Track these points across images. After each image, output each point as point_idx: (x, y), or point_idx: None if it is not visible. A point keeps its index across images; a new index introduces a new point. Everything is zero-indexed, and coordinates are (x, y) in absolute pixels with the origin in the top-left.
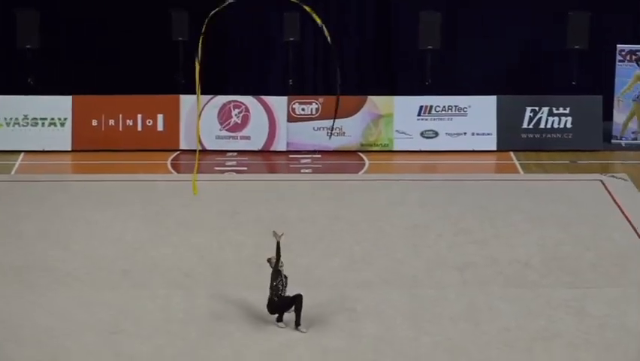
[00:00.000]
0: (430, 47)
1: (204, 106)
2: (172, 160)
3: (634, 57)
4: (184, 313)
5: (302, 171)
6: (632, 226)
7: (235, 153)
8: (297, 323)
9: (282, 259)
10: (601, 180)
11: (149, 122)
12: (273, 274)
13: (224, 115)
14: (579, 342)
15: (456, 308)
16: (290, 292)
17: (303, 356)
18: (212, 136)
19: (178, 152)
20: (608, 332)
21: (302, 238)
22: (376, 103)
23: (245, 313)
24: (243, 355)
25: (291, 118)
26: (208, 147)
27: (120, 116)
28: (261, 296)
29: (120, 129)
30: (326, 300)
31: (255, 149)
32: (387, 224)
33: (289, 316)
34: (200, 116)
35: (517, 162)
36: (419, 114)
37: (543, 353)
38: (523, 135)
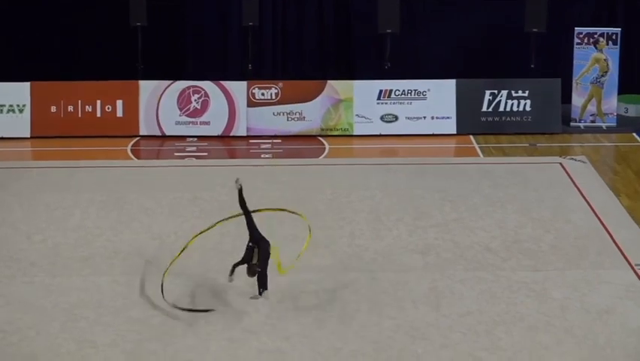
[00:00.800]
0: (389, 30)
1: (163, 91)
2: (132, 146)
3: (592, 40)
4: (146, 300)
5: (262, 156)
6: (591, 208)
7: (195, 139)
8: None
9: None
10: (560, 163)
11: (109, 108)
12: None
13: (183, 100)
14: (540, 325)
15: (417, 292)
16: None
17: (266, 342)
18: (172, 122)
19: (138, 138)
20: (569, 314)
21: (263, 223)
22: (336, 87)
23: (209, 299)
24: (207, 342)
25: (251, 103)
26: (168, 133)
27: (79, 102)
28: (225, 282)
29: (79, 115)
30: (287, 285)
31: (215, 134)
32: (348, 208)
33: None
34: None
35: (476, 146)
36: (379, 98)
37: (505, 336)
38: (483, 119)
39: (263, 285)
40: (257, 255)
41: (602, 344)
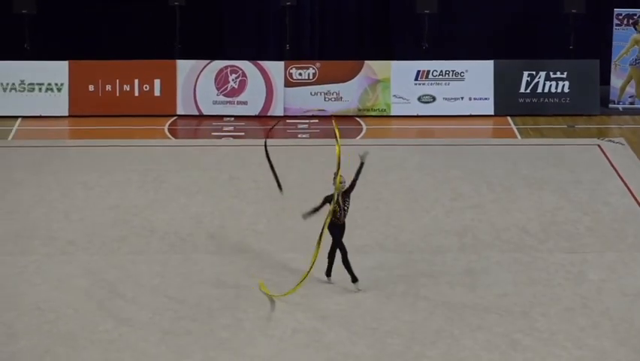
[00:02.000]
0: (427, 11)
1: (201, 71)
2: (169, 125)
3: (631, 21)
4: (182, 279)
5: (299, 136)
6: (630, 190)
7: (232, 118)
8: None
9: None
10: (598, 145)
11: (146, 87)
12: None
13: (221, 80)
14: (577, 307)
15: (453, 273)
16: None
17: (301, 320)
18: (210, 101)
19: (175, 117)
20: (605, 296)
21: (299, 204)
22: (373, 68)
23: (243, 279)
24: (243, 321)
25: (288, 83)
26: (205, 112)
27: (117, 81)
28: (259, 262)
29: (117, 94)
30: (325, 266)
31: (253, 114)
32: (385, 189)
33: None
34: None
35: (514, 127)
36: (416, 79)
37: (541, 318)
38: (521, 100)
39: (352, 276)
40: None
41: (639, 326)
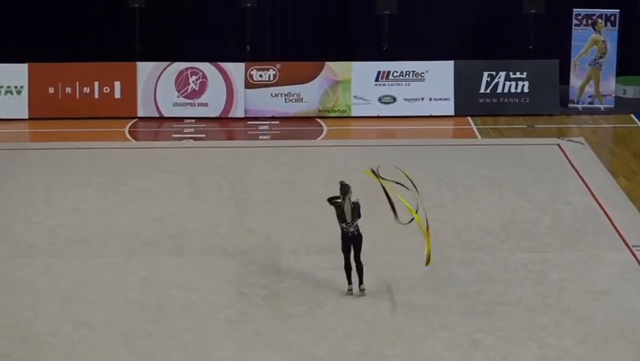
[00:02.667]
0: (387, 12)
1: (161, 73)
2: (130, 128)
3: (590, 21)
4: (143, 281)
5: (260, 137)
6: (589, 189)
7: (193, 120)
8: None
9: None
10: (558, 144)
11: (107, 89)
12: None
13: (181, 82)
14: (538, 306)
15: (415, 273)
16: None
17: (263, 323)
18: (170, 103)
19: (136, 119)
20: (566, 295)
21: (261, 205)
22: (334, 69)
23: (206, 281)
24: (204, 323)
25: (249, 84)
26: (166, 114)
27: (77, 83)
28: (221, 264)
29: (77, 97)
30: (286, 267)
31: (213, 116)
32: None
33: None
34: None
35: (474, 127)
36: (377, 80)
37: (502, 317)
38: (481, 100)
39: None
40: (351, 212)
41: (600, 324)
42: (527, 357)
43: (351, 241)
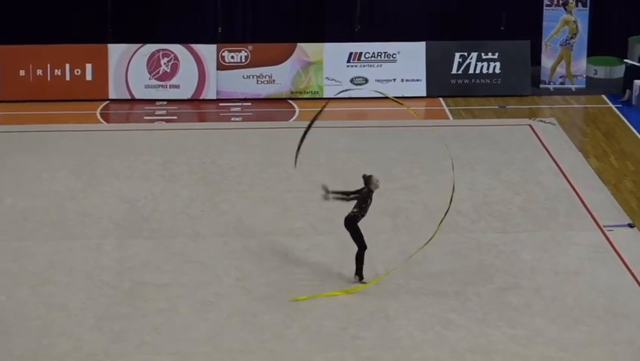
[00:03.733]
0: None
1: (133, 55)
2: (101, 110)
3: (561, 2)
4: (116, 263)
5: (232, 119)
6: (561, 170)
7: (165, 102)
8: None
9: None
10: (530, 125)
11: (78, 71)
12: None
13: (153, 64)
14: (510, 286)
15: (387, 254)
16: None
17: (236, 304)
18: (141, 85)
19: (107, 101)
20: (538, 275)
21: (233, 187)
22: (306, 50)
23: (178, 263)
24: (177, 305)
25: (221, 66)
26: (137, 96)
27: (48, 66)
28: (194, 246)
29: (48, 79)
30: (258, 247)
31: (185, 98)
32: (318, 172)
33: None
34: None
35: (446, 108)
36: (349, 61)
37: (474, 297)
38: (453, 81)
39: (359, 271)
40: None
41: (571, 304)
42: (499, 337)
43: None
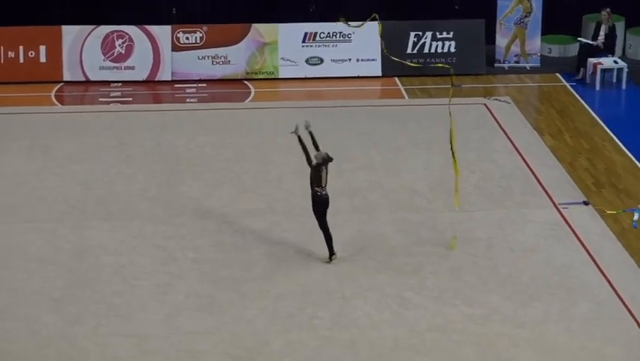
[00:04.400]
0: None
1: (87, 36)
2: (56, 92)
3: None
4: (72, 246)
5: (188, 100)
6: (516, 148)
7: (120, 84)
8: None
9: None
10: (484, 104)
11: (32, 53)
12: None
13: (107, 45)
14: (466, 265)
15: (344, 234)
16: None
17: (194, 286)
18: (96, 67)
19: (62, 83)
20: (493, 253)
21: (190, 168)
22: (261, 31)
23: (135, 245)
24: (134, 287)
25: (176, 47)
26: (92, 78)
27: (1, 48)
28: (151, 227)
29: (2, 61)
30: (216, 229)
31: (140, 79)
32: (274, 152)
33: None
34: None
35: (402, 87)
36: (304, 41)
37: (431, 276)
38: (408, 60)
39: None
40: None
41: (526, 281)
42: (456, 315)
43: (326, 206)
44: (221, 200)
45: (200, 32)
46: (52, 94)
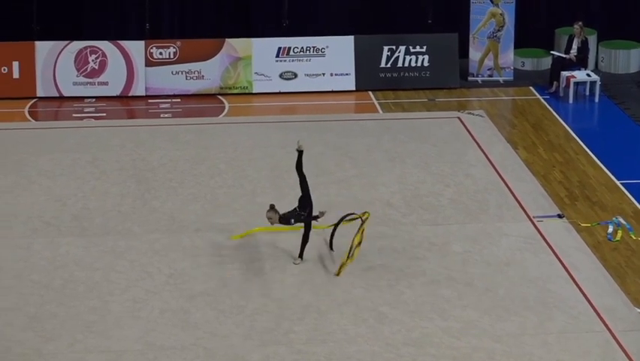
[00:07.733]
0: None
1: (60, 52)
2: (29, 108)
3: None
4: (46, 262)
5: (162, 115)
6: (490, 161)
7: (93, 100)
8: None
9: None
10: (458, 117)
11: (5, 69)
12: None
13: (80, 61)
14: (442, 278)
15: (319, 248)
16: None
17: (168, 300)
18: (69, 82)
19: (35, 99)
20: (469, 267)
21: (164, 183)
22: (234, 45)
23: (109, 260)
24: (109, 303)
25: (149, 62)
26: (65, 94)
27: None
28: (125, 243)
29: None
30: (190, 244)
31: (114, 94)
32: (249, 167)
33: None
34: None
35: (376, 102)
36: (277, 56)
37: (407, 290)
38: (382, 75)
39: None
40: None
41: (503, 295)
42: (432, 329)
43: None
44: (195, 215)
45: (174, 47)
46: (26, 110)
